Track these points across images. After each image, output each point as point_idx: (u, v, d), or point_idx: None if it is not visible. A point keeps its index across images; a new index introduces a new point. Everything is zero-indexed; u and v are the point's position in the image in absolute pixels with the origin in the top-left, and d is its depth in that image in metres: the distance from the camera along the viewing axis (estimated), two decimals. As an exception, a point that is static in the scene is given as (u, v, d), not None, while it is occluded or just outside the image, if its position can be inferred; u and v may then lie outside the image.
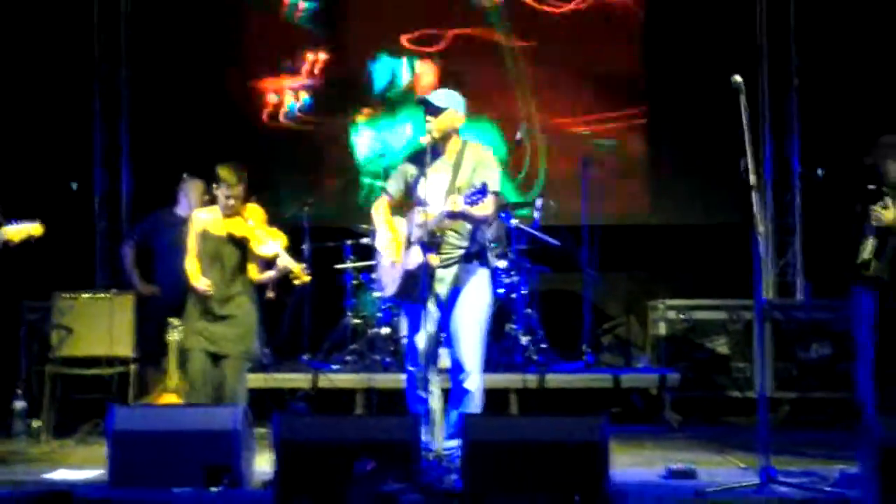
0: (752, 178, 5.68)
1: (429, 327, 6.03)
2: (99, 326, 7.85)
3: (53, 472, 6.33)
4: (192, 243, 6.74)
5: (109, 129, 9.70)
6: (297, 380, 8.11)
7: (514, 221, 8.39)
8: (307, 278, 6.63)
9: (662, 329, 8.59)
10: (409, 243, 6.13)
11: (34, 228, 6.14)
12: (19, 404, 7.65)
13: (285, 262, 6.59)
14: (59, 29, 9.27)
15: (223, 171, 6.59)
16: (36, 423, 7.63)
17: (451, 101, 6.18)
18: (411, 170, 6.27)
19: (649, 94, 9.55)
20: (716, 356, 8.46)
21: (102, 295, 8.06)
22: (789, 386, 8.26)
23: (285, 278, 6.64)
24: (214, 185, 6.64)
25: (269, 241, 6.60)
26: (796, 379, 8.27)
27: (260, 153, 9.42)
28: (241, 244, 6.65)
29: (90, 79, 9.59)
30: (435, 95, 6.22)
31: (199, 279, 6.60)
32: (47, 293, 8.03)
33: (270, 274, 6.68)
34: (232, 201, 6.60)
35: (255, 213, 6.73)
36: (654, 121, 9.56)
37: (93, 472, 6.09)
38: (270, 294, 6.79)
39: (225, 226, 6.67)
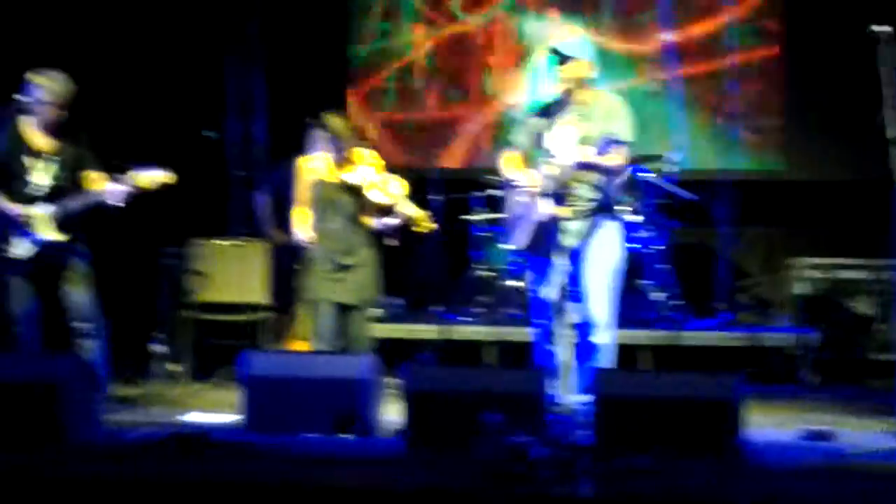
0: (891, 132, 5.44)
1: (557, 280, 5.95)
2: (233, 273, 8.00)
3: (190, 414, 6.47)
4: (301, 191, 6.65)
5: (243, 77, 9.79)
6: (426, 331, 8.10)
7: (646, 175, 8.23)
8: (432, 226, 6.54)
9: (802, 287, 8.36)
10: (537, 195, 6.04)
11: (165, 177, 6.21)
12: (158, 348, 7.83)
13: (406, 209, 6.50)
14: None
15: (333, 121, 6.51)
16: (173, 367, 7.81)
17: (583, 51, 6.05)
18: (541, 121, 6.17)
19: (787, 37, 9.26)
20: (856, 316, 8.20)
21: (236, 242, 8.18)
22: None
23: (409, 226, 6.55)
24: (323, 134, 6.55)
25: (388, 188, 6.49)
26: (940, 341, 7.97)
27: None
28: (356, 192, 6.54)
29: (224, 27, 9.67)
30: (565, 44, 6.09)
31: (302, 229, 6.54)
32: (184, 241, 8.18)
33: (391, 221, 6.56)
34: (342, 151, 6.53)
35: (369, 159, 6.60)
36: (791, 69, 9.26)
37: (228, 416, 6.20)
38: (394, 242, 6.68)
39: (338, 173, 6.57)
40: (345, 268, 6.54)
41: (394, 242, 6.69)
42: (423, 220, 6.51)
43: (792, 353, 8.00)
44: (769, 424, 6.21)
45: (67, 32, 8.61)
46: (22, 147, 6.28)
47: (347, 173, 6.52)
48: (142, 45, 9.15)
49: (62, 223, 6.27)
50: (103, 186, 6.26)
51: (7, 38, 8.40)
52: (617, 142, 5.68)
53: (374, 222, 6.59)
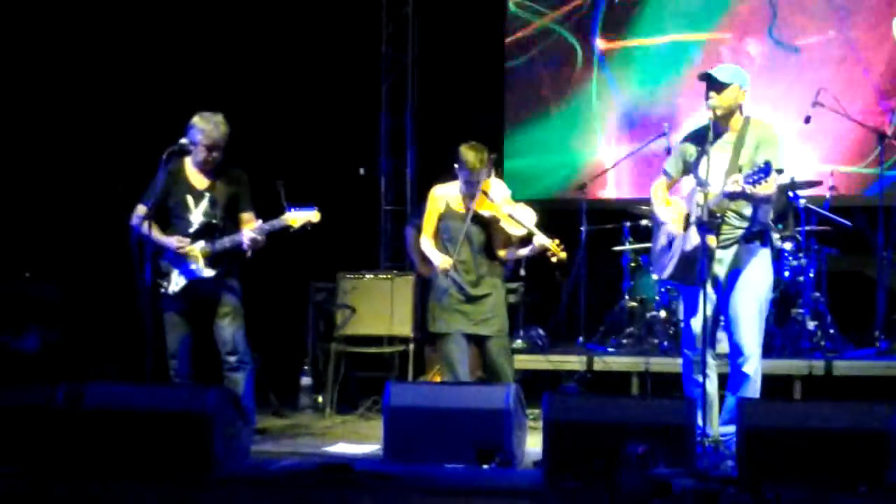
0: None
1: (706, 310, 5.82)
2: (381, 306, 8.09)
3: (334, 445, 6.55)
4: (429, 221, 6.64)
5: (395, 114, 9.95)
6: (573, 362, 8.03)
7: (802, 201, 8.03)
8: (563, 255, 6.44)
9: (965, 315, 8.04)
10: (687, 224, 5.95)
11: (313, 215, 6.34)
12: (306, 380, 7.97)
13: (539, 239, 6.42)
14: (347, 18, 9.55)
15: (466, 153, 6.43)
16: (320, 399, 7.93)
17: (736, 77, 5.94)
18: (691, 149, 6.07)
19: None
20: None
21: (384, 275, 8.29)
22: None
23: (542, 256, 6.47)
24: (456, 165, 6.48)
25: (520, 219, 6.43)
26: None
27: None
28: (485, 223, 6.52)
29: (377, 66, 9.85)
30: (719, 70, 5.99)
31: (441, 257, 6.49)
32: (334, 274, 8.32)
33: (523, 252, 6.52)
34: (473, 185, 6.47)
35: (498, 189, 6.58)
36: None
37: (371, 447, 6.26)
38: (521, 272, 6.65)
39: (469, 203, 6.51)
40: (474, 299, 6.53)
41: (521, 272, 6.68)
42: (556, 249, 6.45)
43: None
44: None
45: (230, 72, 8.89)
46: (181, 185, 6.52)
47: (479, 204, 6.48)
48: (297, 82, 9.39)
49: (213, 259, 6.47)
50: (251, 227, 6.43)
51: (176, 82, 8.74)
52: (768, 170, 5.54)
53: (505, 253, 6.59)
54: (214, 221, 6.50)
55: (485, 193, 6.50)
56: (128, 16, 8.96)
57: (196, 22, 9.09)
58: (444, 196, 6.62)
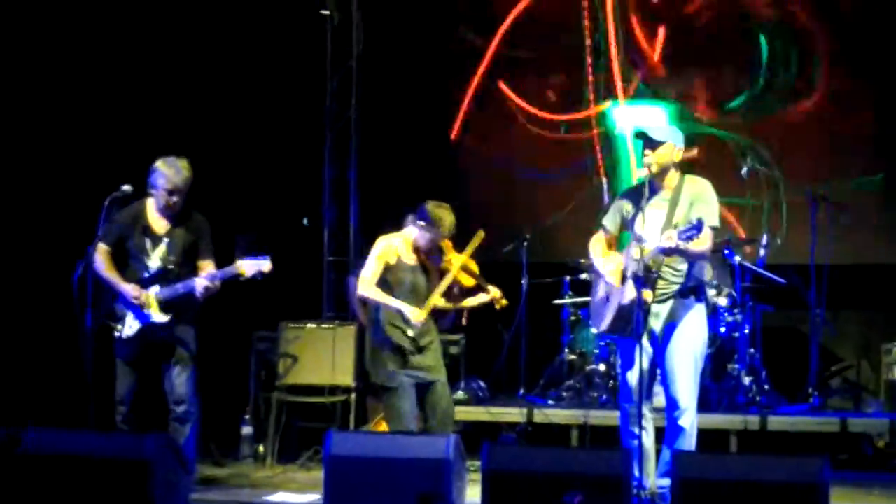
0: None
1: (642, 363, 5.93)
2: (323, 355, 8.10)
3: (275, 494, 6.55)
4: (378, 270, 6.60)
5: (338, 166, 10.01)
6: (513, 414, 8.09)
7: (737, 258, 8.19)
8: (505, 302, 6.65)
9: (897, 373, 8.21)
10: (623, 278, 6.06)
11: (265, 264, 6.35)
12: (247, 429, 7.97)
13: (485, 288, 6.64)
14: (291, 72, 9.63)
15: (445, 216, 6.54)
16: (261, 448, 7.91)
17: (671, 135, 6.09)
18: (628, 205, 6.20)
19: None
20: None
21: (326, 325, 8.32)
22: None
23: (485, 306, 6.68)
24: (421, 223, 6.56)
25: (470, 271, 6.61)
26: None
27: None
28: (429, 274, 6.65)
29: (321, 120, 9.93)
30: (654, 129, 6.14)
31: (412, 309, 6.50)
32: (277, 323, 8.33)
33: (471, 302, 6.69)
34: (435, 242, 6.59)
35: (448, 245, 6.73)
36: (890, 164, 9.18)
37: (312, 497, 6.26)
38: (464, 322, 6.80)
39: (417, 255, 6.66)
40: (422, 348, 6.61)
41: (463, 323, 6.85)
42: (499, 297, 6.62)
43: (884, 441, 7.82)
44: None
45: (176, 123, 8.91)
46: (141, 228, 6.54)
47: (448, 258, 6.62)
48: (242, 135, 9.43)
49: (167, 305, 6.46)
50: (204, 274, 6.45)
51: (120, 131, 8.74)
52: (701, 227, 5.66)
53: (441, 300, 6.65)
54: (170, 267, 6.49)
55: (442, 248, 6.65)
56: (69, 60, 8.93)
57: (139, 70, 9.10)
58: (396, 248, 6.67)
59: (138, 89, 9.03)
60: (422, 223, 6.56)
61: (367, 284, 6.58)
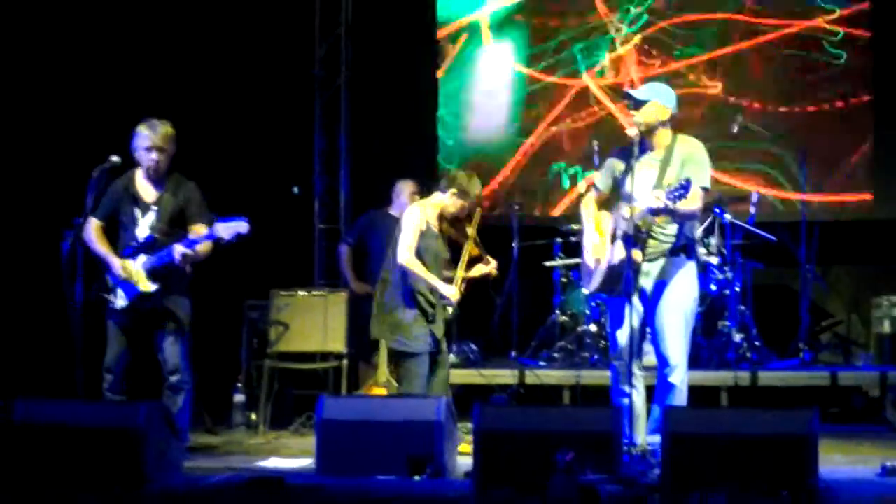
0: None
1: (633, 321, 5.94)
2: (314, 323, 8.10)
3: (267, 460, 6.57)
4: (415, 239, 6.61)
5: (329, 134, 9.99)
6: (505, 376, 8.11)
7: (727, 216, 8.20)
8: (496, 273, 6.90)
9: (887, 327, 8.23)
10: (613, 238, 6.06)
11: (241, 226, 6.25)
12: (239, 397, 7.96)
13: (486, 259, 6.78)
14: (280, 40, 9.58)
15: (475, 185, 6.71)
16: (254, 416, 7.93)
17: (654, 94, 6.07)
18: (620, 165, 6.18)
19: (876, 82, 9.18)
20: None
21: (318, 293, 8.32)
22: None
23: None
24: (453, 191, 6.64)
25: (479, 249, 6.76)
26: None
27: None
28: (450, 243, 6.74)
29: (311, 87, 9.89)
30: (638, 89, 6.13)
31: (450, 287, 6.57)
32: (268, 292, 8.33)
33: (473, 273, 6.78)
34: (459, 209, 6.68)
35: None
36: (881, 109, 9.16)
37: (304, 462, 6.28)
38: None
39: (440, 223, 6.73)
40: (436, 319, 6.67)
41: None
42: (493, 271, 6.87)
43: (875, 394, 7.85)
44: (848, 462, 6.12)
45: (164, 91, 8.85)
46: (130, 198, 6.50)
47: (472, 226, 6.75)
48: (232, 103, 9.38)
49: (153, 273, 6.42)
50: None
51: (106, 100, 8.70)
52: (689, 187, 5.65)
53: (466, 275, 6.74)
54: (158, 236, 6.45)
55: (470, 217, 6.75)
56: (55, 29, 8.87)
57: (127, 38, 9.04)
58: (425, 216, 6.69)
59: (126, 58, 8.95)
60: (454, 191, 6.64)
61: (410, 255, 6.55)
